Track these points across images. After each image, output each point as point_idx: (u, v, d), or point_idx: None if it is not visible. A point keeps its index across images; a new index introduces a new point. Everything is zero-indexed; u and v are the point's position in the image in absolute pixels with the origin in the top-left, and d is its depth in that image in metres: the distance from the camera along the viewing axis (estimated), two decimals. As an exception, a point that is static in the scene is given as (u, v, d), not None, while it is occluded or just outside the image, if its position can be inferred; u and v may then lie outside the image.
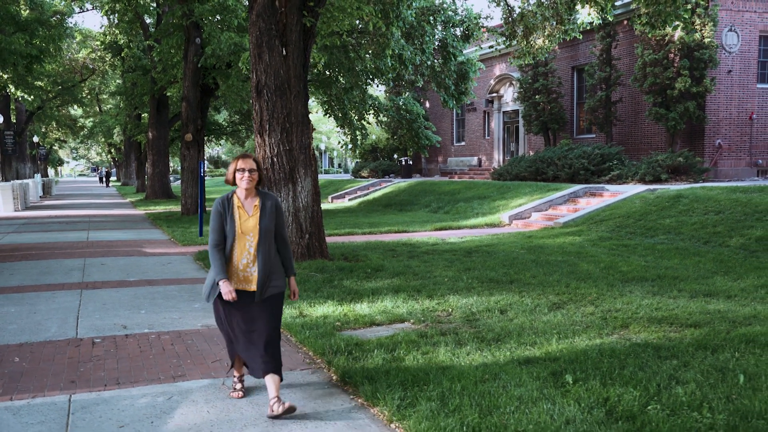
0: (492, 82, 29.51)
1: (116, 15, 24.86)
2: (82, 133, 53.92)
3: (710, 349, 4.91)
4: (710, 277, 8.01)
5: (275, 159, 9.24)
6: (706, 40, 18.65)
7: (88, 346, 5.54)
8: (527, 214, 15.76)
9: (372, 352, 5.00)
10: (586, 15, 13.81)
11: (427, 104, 35.16)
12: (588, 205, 15.35)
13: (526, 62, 14.78)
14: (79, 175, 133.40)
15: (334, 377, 4.65)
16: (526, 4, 14.33)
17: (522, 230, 14.13)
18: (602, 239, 11.73)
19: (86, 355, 5.24)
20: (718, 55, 19.40)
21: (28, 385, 4.52)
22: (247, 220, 3.95)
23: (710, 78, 18.93)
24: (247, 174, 3.95)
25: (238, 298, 3.92)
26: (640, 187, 15.86)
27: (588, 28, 14.70)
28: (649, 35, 11.93)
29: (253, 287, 3.94)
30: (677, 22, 10.75)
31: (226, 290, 3.87)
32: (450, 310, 6.56)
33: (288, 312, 6.38)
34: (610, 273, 8.40)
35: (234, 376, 4.29)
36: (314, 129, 11.09)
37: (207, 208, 21.10)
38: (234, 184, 4.01)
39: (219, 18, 18.80)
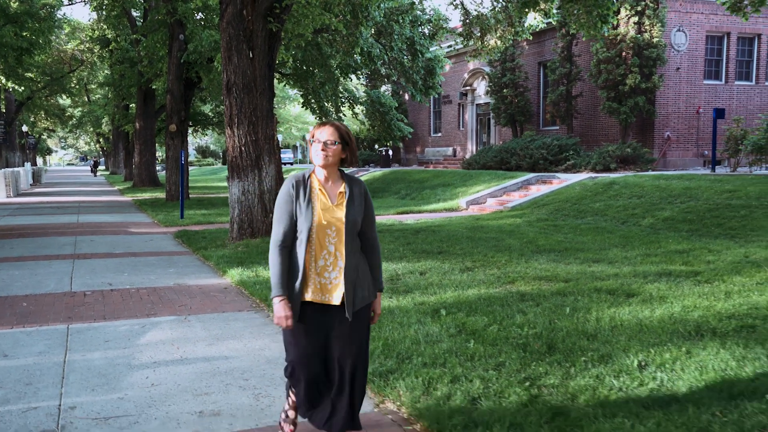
0: (466, 75, 30.90)
1: (104, 10, 25.99)
2: (70, 122, 54.84)
3: (564, 294, 6.36)
4: (608, 249, 9.48)
5: (243, 148, 10.61)
6: (655, 40, 20.11)
7: (81, 296, 6.92)
8: (483, 200, 17.22)
9: (304, 298, 6.42)
10: (532, 19, 15.23)
11: (406, 96, 36.50)
12: (538, 191, 16.82)
13: (482, 60, 16.20)
14: (68, 164, 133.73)
15: (270, 314, 6.07)
16: (480, 7, 15.76)
17: (475, 214, 15.58)
18: (539, 220, 13.20)
19: (79, 302, 6.63)
20: (667, 53, 20.87)
21: (36, 319, 5.92)
22: (330, 209, 2.99)
23: (658, 75, 20.41)
24: (321, 146, 2.98)
25: (310, 312, 2.99)
26: (584, 176, 17.35)
27: (537, 30, 16.12)
28: (584, 38, 13.32)
29: (335, 300, 2.96)
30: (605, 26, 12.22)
31: (282, 314, 2.94)
32: (380, 272, 7.98)
33: (245, 273, 7.79)
34: (527, 246, 9.85)
35: None
36: (279, 122, 12.36)
37: (190, 195, 22.46)
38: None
39: (201, 16, 20.05)
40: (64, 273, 8.29)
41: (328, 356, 3.00)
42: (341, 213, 2.99)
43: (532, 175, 18.62)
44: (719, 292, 6.21)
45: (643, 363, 4.27)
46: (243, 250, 9.74)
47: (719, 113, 17.49)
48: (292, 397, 3.24)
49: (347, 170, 27.05)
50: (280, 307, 2.94)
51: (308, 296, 2.96)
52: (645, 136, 21.70)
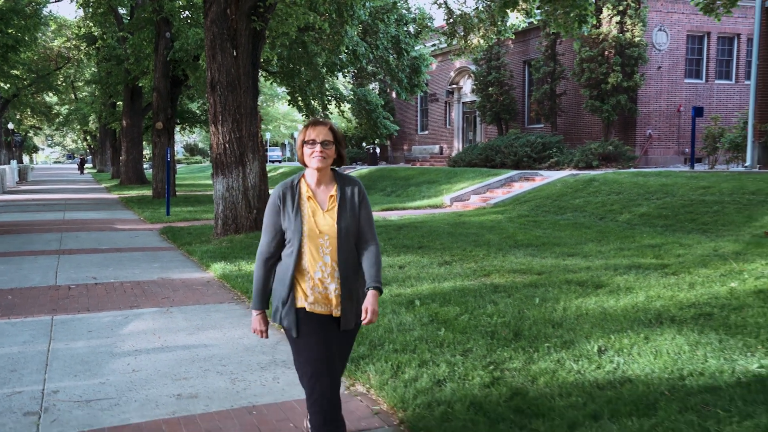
0: (452, 74, 31.13)
1: (90, 7, 25.95)
2: (57, 120, 54.55)
3: (536, 286, 6.58)
4: (584, 243, 9.72)
5: (227, 145, 10.76)
6: (636, 39, 20.43)
7: (65, 290, 7.06)
8: (467, 197, 17.44)
9: (284, 290, 6.60)
10: (515, 18, 15.47)
11: (393, 94, 36.67)
12: (520, 188, 17.06)
13: (467, 59, 16.40)
14: (54, 162, 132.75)
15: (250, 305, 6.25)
16: (463, 6, 15.98)
17: (458, 210, 15.81)
18: (519, 216, 13.44)
19: (64, 295, 6.77)
20: (648, 52, 21.21)
21: (21, 311, 6.06)
22: (321, 216, 2.83)
23: (640, 74, 20.74)
24: (318, 148, 2.80)
25: (314, 322, 2.81)
26: (566, 173, 17.62)
27: (520, 29, 16.37)
28: (563, 38, 13.58)
29: (336, 311, 2.84)
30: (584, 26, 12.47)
31: (257, 327, 2.94)
32: (360, 266, 8.17)
33: (228, 267, 7.96)
34: (506, 241, 10.08)
35: None
36: (264, 119, 12.48)
37: (177, 192, 22.52)
38: (305, 164, 2.88)
39: (187, 14, 20.13)
40: (49, 268, 8.42)
41: (321, 361, 2.79)
42: (333, 220, 2.81)
43: (515, 172, 18.88)
44: (684, 283, 6.46)
45: (602, 348, 4.49)
46: (227, 245, 9.89)
47: (698, 111, 17.83)
48: None
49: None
50: (255, 321, 2.94)
51: (308, 306, 2.79)
52: (627, 134, 22.03)
